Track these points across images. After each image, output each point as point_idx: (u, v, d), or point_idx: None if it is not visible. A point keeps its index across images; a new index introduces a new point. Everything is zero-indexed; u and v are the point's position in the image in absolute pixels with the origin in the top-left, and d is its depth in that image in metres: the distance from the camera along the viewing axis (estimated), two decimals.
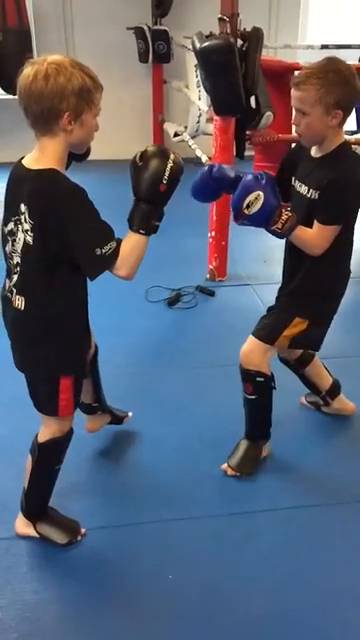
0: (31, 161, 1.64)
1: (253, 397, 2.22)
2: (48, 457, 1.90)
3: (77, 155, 1.76)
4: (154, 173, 1.64)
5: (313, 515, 2.12)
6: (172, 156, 1.67)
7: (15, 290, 1.72)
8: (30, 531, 1.98)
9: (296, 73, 1.99)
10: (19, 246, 1.66)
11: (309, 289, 2.16)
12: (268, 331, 2.18)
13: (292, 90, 1.95)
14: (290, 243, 2.12)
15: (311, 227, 2.02)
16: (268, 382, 2.20)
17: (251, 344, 2.19)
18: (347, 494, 2.22)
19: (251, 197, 1.92)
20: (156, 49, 5.93)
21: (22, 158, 1.67)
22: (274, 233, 1.99)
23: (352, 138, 4.36)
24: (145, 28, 5.87)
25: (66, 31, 6.01)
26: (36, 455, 1.88)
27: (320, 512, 2.13)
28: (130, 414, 2.47)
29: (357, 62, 4.45)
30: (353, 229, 2.11)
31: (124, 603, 1.81)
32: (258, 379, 2.18)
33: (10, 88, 4.94)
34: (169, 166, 1.64)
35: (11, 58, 4.97)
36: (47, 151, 1.61)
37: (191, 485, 2.23)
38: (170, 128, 6.02)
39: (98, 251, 1.61)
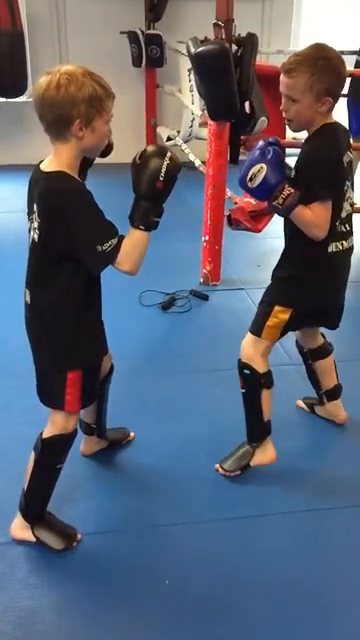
0: (46, 164, 1.74)
1: (243, 390, 2.23)
2: (50, 454, 1.91)
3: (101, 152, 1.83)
4: (151, 171, 1.71)
5: (312, 519, 2.11)
6: (169, 155, 1.73)
7: (26, 285, 1.83)
8: (27, 534, 1.96)
9: (286, 59, 1.98)
10: (30, 243, 1.77)
11: (284, 276, 2.15)
12: (254, 323, 2.20)
13: (282, 76, 1.95)
14: (285, 232, 2.12)
15: None
16: (255, 377, 2.18)
17: (246, 337, 2.23)
18: (346, 498, 2.21)
19: (254, 169, 1.94)
20: (149, 53, 5.94)
21: (41, 162, 1.76)
22: (276, 209, 1.98)
23: None
24: (138, 32, 5.88)
25: (59, 35, 6.02)
26: (39, 451, 1.89)
27: (319, 516, 2.12)
28: (132, 434, 2.46)
29: (352, 68, 4.47)
30: (336, 215, 2.02)
31: (120, 609, 1.79)
32: (245, 371, 2.20)
33: (3, 91, 4.92)
34: (166, 164, 1.71)
35: (4, 61, 4.97)
36: (60, 155, 1.70)
37: (188, 490, 2.22)
38: (163, 132, 6.03)
39: (99, 248, 1.67)
